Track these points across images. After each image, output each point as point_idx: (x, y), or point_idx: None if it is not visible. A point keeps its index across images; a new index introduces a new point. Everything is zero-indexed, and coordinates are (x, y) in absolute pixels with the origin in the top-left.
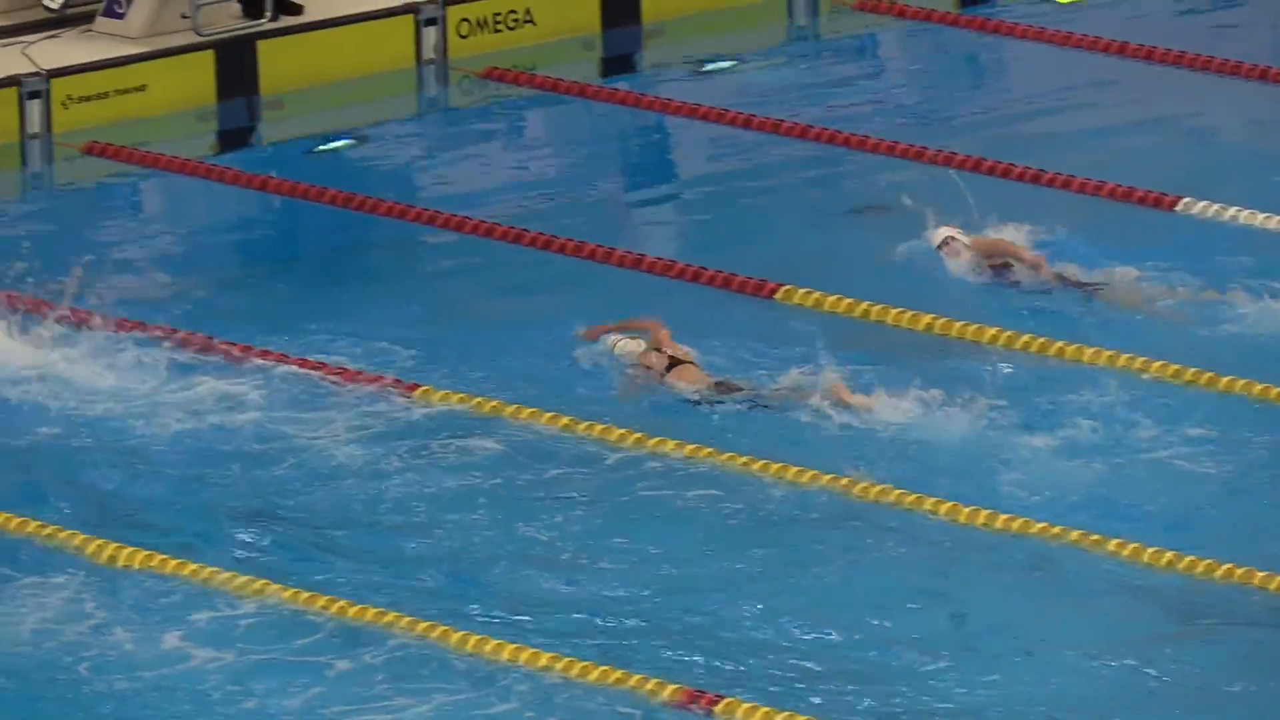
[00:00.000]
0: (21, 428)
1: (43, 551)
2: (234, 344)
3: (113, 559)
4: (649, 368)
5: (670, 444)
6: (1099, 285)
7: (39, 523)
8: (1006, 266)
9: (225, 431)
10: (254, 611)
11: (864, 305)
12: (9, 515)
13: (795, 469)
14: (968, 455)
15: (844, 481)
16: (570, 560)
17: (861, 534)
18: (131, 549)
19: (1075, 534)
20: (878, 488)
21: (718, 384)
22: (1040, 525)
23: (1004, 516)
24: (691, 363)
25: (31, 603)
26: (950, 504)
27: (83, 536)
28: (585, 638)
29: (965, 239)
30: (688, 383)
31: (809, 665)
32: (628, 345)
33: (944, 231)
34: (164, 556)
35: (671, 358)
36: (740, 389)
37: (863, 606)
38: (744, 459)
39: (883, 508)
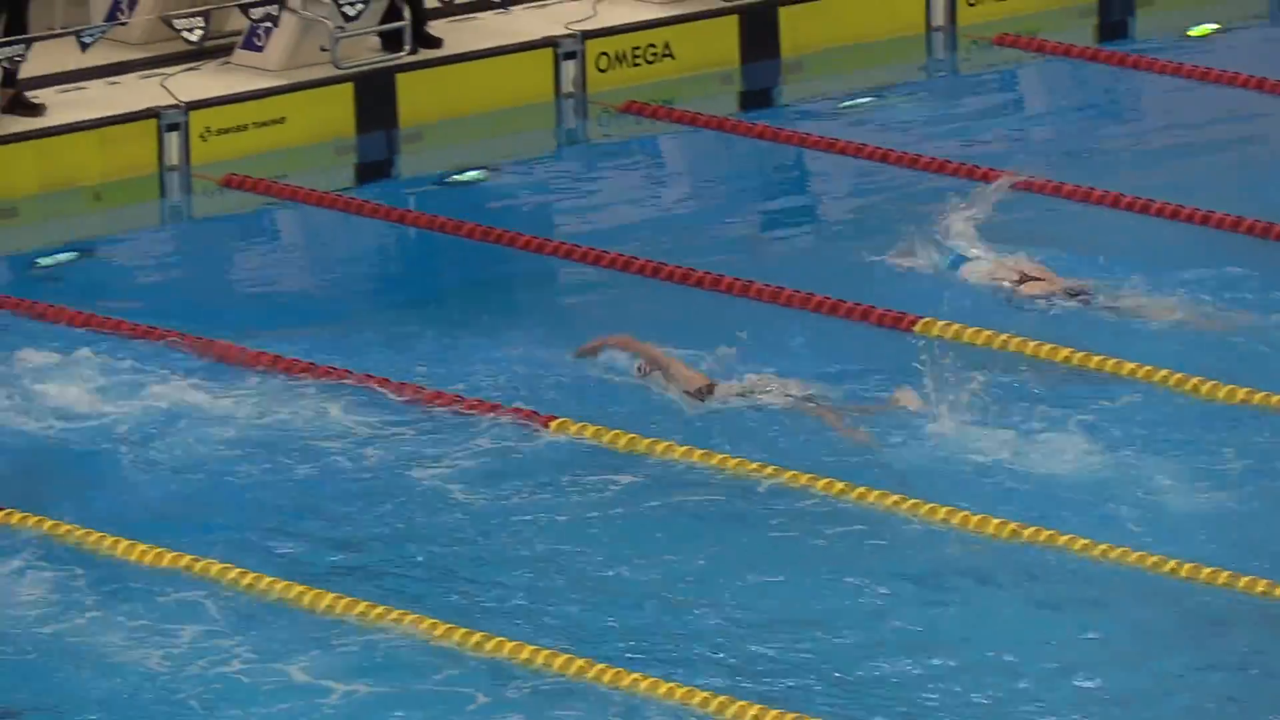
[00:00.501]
0: (159, 460)
1: (184, 582)
2: (369, 376)
3: (250, 588)
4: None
5: (803, 478)
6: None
7: (175, 553)
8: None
9: (360, 465)
10: (390, 643)
11: (1002, 337)
12: (151, 547)
13: (929, 506)
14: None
15: (976, 520)
16: (710, 594)
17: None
18: (268, 579)
19: (1132, 554)
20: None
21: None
22: (1102, 546)
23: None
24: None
25: (167, 631)
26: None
27: (219, 566)
28: (725, 673)
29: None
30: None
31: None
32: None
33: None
34: (301, 587)
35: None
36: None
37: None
38: (894, 497)
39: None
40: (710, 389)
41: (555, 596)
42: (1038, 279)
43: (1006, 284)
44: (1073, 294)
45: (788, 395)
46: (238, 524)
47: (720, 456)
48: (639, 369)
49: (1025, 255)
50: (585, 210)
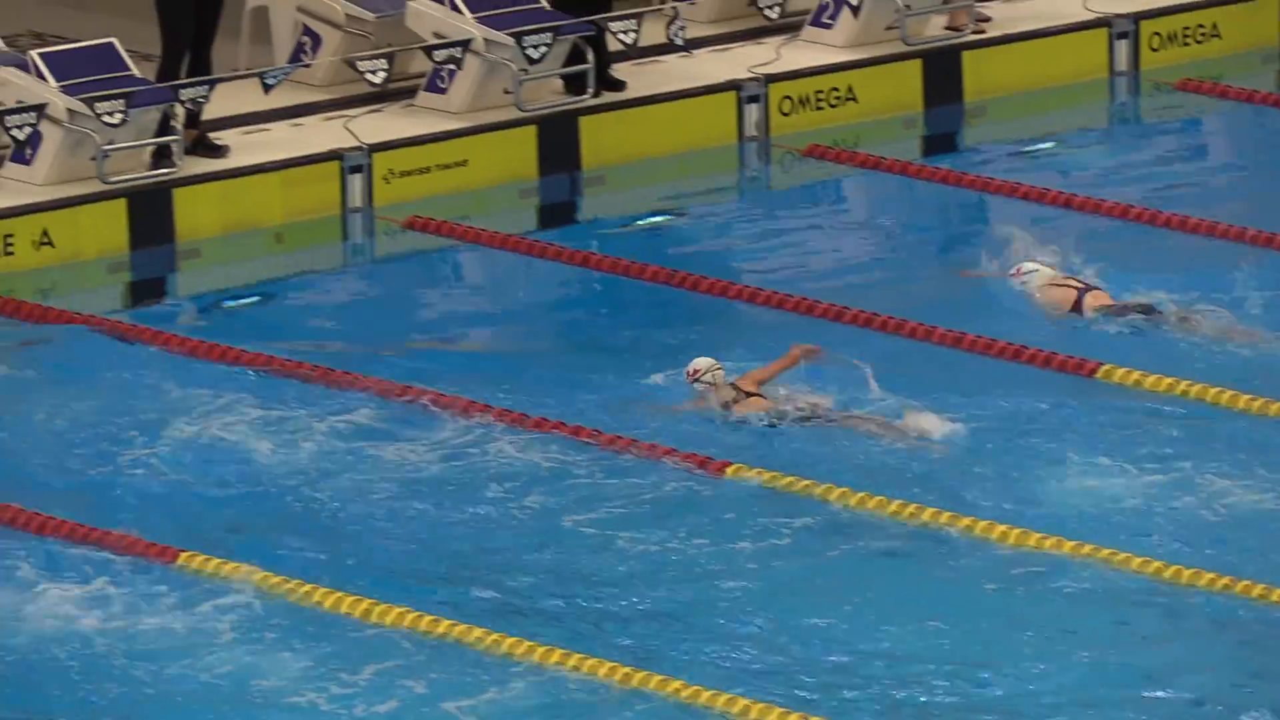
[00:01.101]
0: (334, 501)
1: (356, 624)
2: (545, 419)
3: (423, 629)
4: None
5: (981, 524)
6: None
7: (354, 596)
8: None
9: (534, 506)
10: (560, 684)
11: (1183, 384)
12: (331, 591)
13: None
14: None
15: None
16: (898, 642)
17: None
18: (404, 610)
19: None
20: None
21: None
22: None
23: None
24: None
25: (344, 672)
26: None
27: (351, 599)
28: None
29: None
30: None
31: None
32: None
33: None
34: (476, 630)
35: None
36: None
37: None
38: (983, 524)
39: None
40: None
41: (729, 640)
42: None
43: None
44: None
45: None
46: (410, 565)
47: (897, 503)
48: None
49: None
50: (767, 253)
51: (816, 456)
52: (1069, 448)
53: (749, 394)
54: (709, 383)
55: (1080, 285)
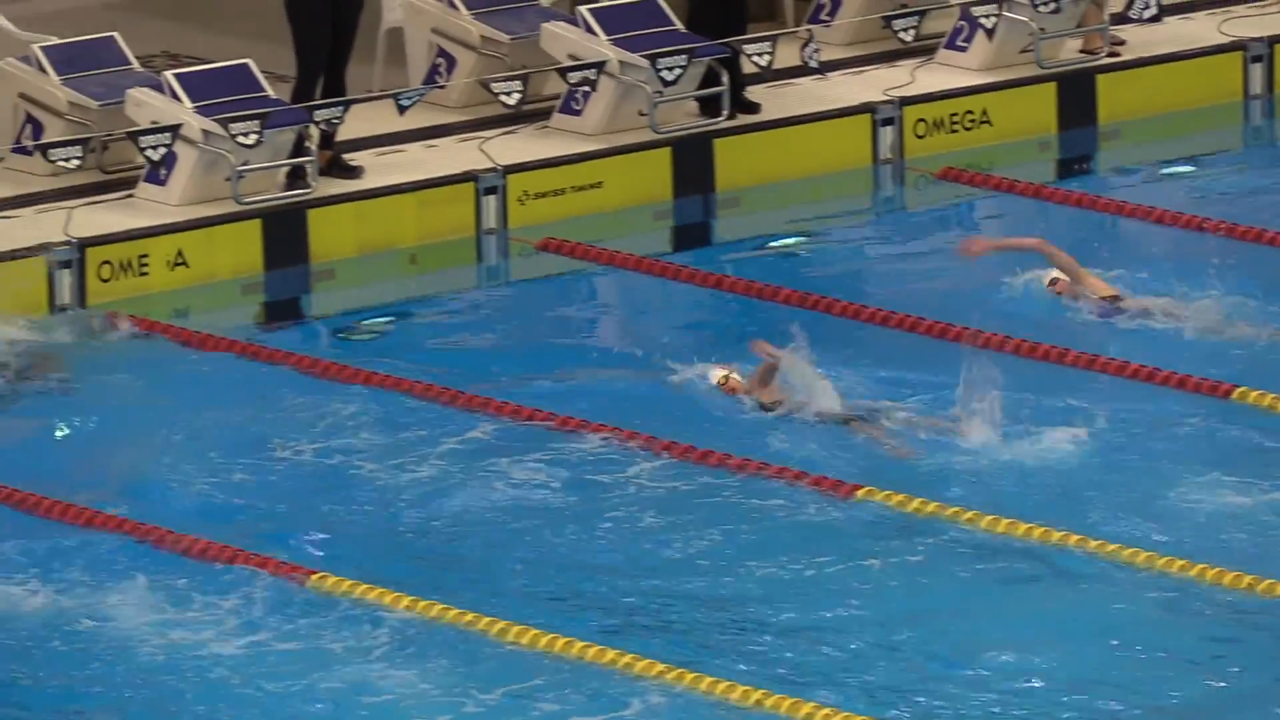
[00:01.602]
0: (465, 519)
1: (484, 641)
2: (675, 443)
3: (551, 649)
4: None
5: (1110, 546)
6: None
7: (489, 618)
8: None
9: (664, 530)
10: (684, 702)
11: None
12: (430, 602)
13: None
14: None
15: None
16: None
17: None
18: (537, 632)
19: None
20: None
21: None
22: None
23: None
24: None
25: (473, 689)
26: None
27: (483, 619)
28: None
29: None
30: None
31: None
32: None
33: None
34: (565, 639)
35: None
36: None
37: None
38: (1112, 546)
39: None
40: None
41: (858, 661)
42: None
43: None
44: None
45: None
46: (539, 585)
47: (1026, 525)
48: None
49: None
50: (900, 276)
51: (943, 478)
52: (1200, 469)
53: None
54: (733, 389)
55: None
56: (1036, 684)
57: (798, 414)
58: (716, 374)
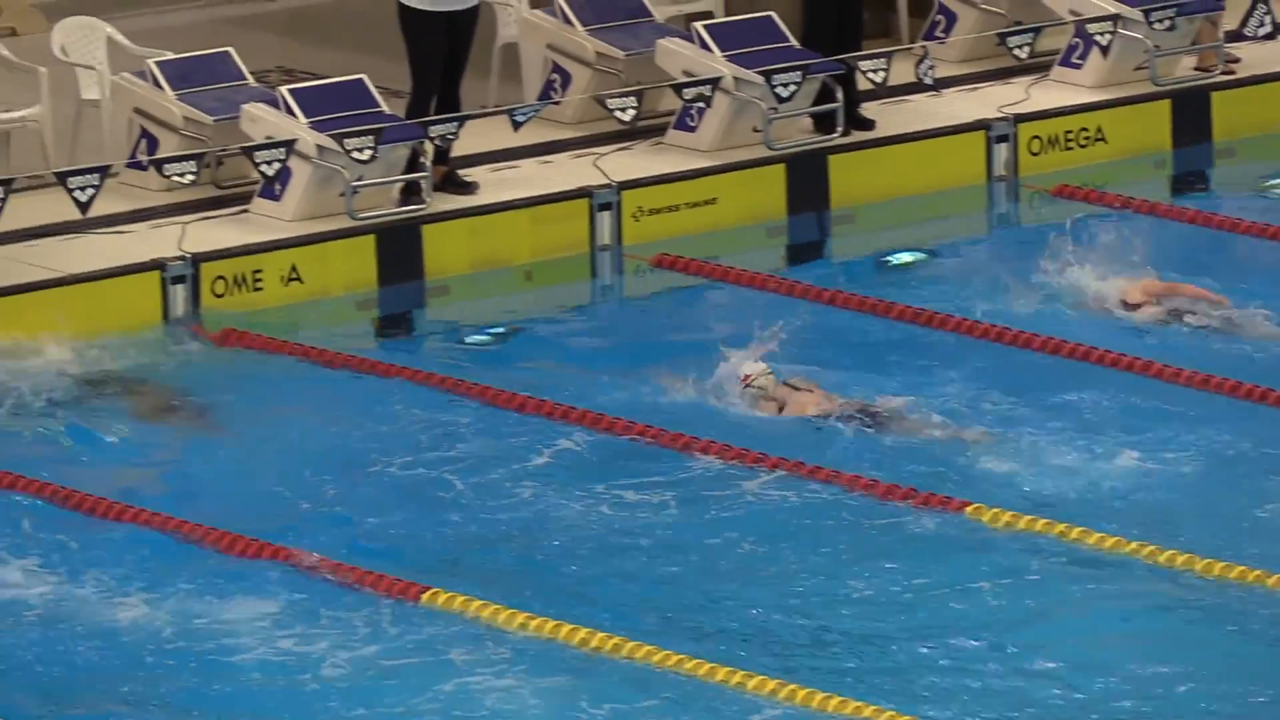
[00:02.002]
0: (545, 528)
1: (599, 661)
2: (785, 459)
3: (629, 654)
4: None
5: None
6: None
7: (552, 622)
8: None
9: (790, 554)
10: (771, 711)
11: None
12: (530, 616)
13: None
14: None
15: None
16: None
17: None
18: (651, 648)
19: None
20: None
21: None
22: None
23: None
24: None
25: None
26: None
27: (616, 640)
28: None
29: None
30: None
31: None
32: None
33: None
34: (677, 655)
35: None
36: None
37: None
38: (1220, 564)
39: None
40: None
41: (972, 678)
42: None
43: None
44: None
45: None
46: (643, 602)
47: (1151, 548)
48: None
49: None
50: (1017, 293)
51: (1051, 493)
52: None
53: (797, 389)
54: (760, 387)
55: None
56: (1156, 708)
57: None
58: (748, 368)
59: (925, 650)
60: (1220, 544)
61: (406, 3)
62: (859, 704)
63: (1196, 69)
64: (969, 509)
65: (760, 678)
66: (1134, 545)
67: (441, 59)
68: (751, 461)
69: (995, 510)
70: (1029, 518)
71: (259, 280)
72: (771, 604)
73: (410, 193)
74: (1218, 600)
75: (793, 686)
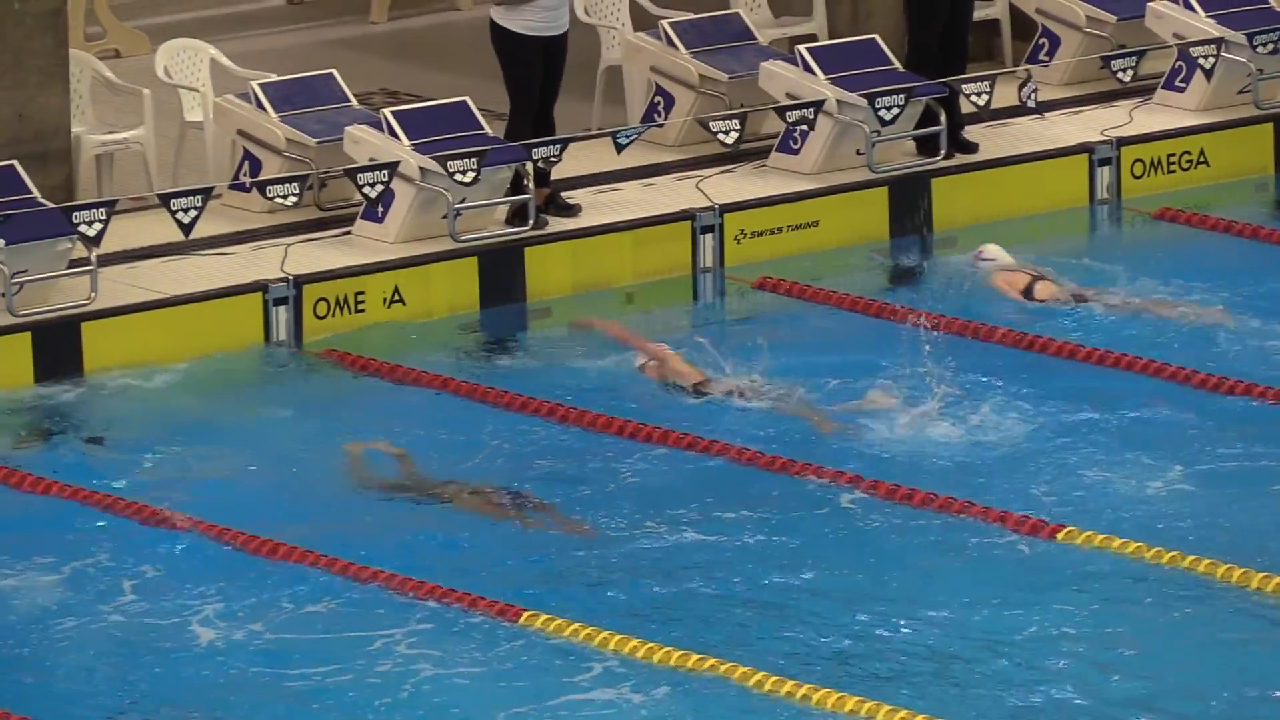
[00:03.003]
0: (644, 551)
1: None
2: (880, 481)
3: (754, 685)
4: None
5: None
6: None
7: (654, 645)
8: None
9: (874, 574)
10: None
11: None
12: (626, 637)
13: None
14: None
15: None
16: None
17: None
18: (780, 679)
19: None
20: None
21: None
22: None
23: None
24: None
25: None
26: None
27: (697, 657)
28: None
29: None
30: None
31: None
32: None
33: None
34: (807, 686)
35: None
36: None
37: None
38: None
39: None
40: (705, 384)
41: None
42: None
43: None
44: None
45: (773, 393)
46: (750, 625)
47: (1225, 567)
48: (641, 366)
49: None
50: (1118, 317)
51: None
52: None
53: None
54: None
55: (1032, 273)
56: None
57: (738, 396)
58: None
59: (1025, 678)
60: None
61: (504, 24)
62: None
63: None
64: (1060, 533)
65: (874, 702)
66: (1240, 573)
67: (539, 82)
68: (848, 481)
69: (1089, 532)
70: (1119, 540)
71: (361, 302)
72: (875, 627)
73: (513, 215)
74: None
75: (890, 708)
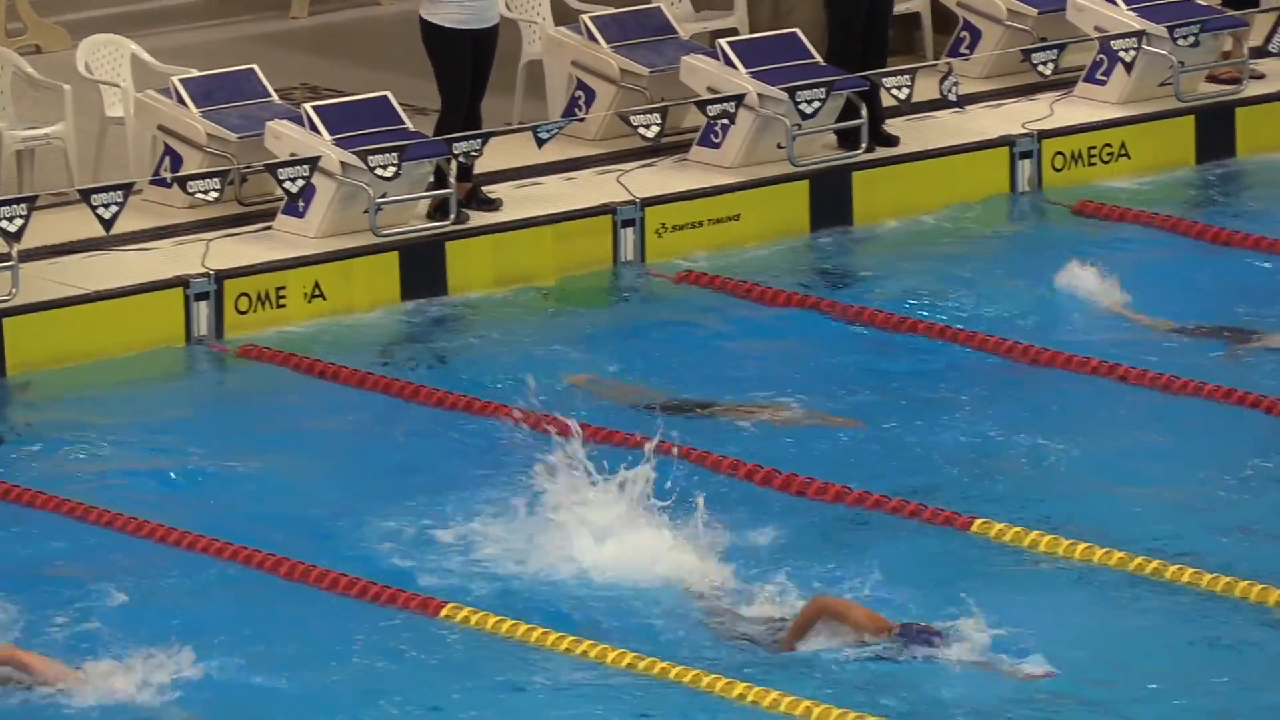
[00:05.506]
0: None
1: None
2: (812, 477)
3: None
4: None
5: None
6: None
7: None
8: None
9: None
10: None
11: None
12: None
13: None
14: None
15: None
16: None
17: None
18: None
19: None
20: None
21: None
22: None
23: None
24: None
25: None
26: None
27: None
28: None
29: None
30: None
31: None
32: None
33: None
34: None
35: None
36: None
37: None
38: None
39: None
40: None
41: None
42: None
43: None
44: None
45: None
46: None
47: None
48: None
49: None
50: (1040, 310)
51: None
52: None
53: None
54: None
55: None
56: None
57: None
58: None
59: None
60: None
61: (431, 20)
62: None
63: (1219, 80)
64: (1097, 554)
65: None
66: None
67: (469, 76)
68: (782, 482)
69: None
70: (1154, 562)
71: (282, 297)
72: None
73: (436, 210)
74: None
75: None
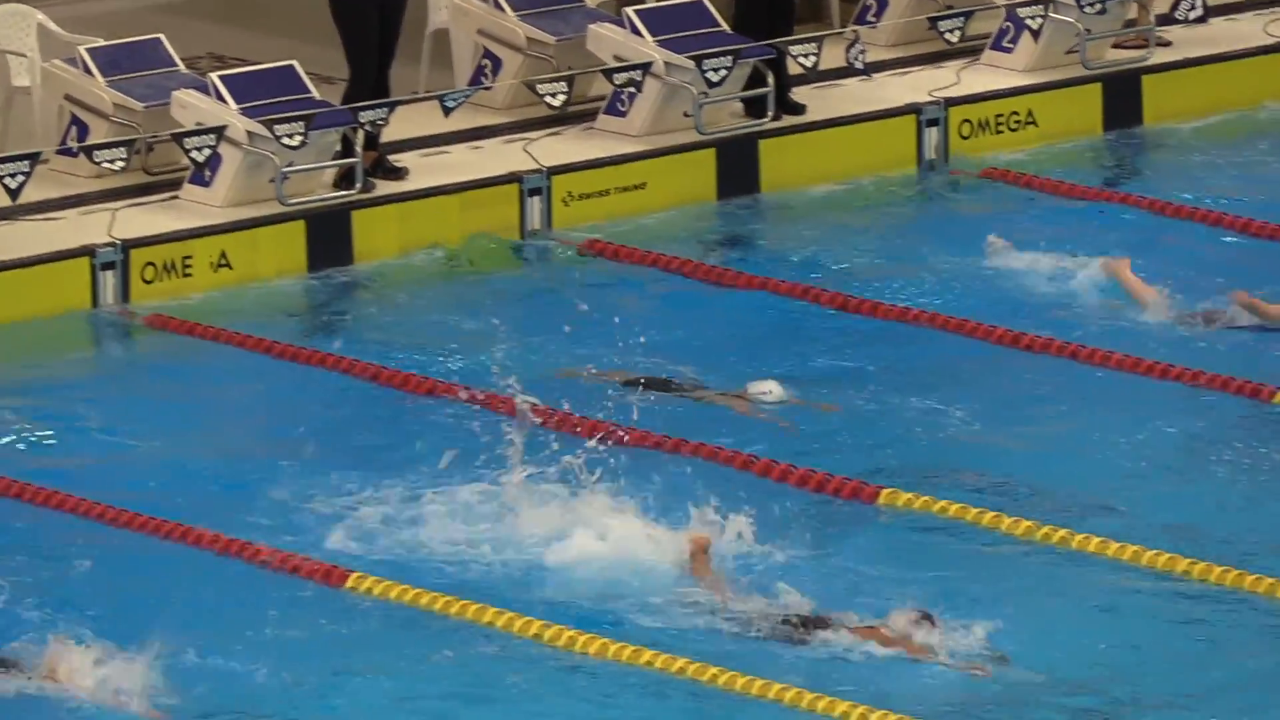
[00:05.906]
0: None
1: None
2: (737, 451)
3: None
4: None
5: None
6: None
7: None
8: None
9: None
10: None
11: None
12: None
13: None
14: None
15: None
16: None
17: None
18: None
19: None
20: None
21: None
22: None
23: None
24: None
25: None
26: None
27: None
28: None
29: None
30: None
31: None
32: None
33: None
34: None
35: None
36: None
37: None
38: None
39: None
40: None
41: None
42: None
43: None
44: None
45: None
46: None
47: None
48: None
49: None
50: (946, 277)
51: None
52: None
53: None
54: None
55: None
56: None
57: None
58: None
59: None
60: None
61: None
62: None
63: (1118, 46)
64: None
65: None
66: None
67: (376, 45)
68: (691, 451)
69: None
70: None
71: (189, 266)
72: None
73: (342, 179)
74: None
75: None
